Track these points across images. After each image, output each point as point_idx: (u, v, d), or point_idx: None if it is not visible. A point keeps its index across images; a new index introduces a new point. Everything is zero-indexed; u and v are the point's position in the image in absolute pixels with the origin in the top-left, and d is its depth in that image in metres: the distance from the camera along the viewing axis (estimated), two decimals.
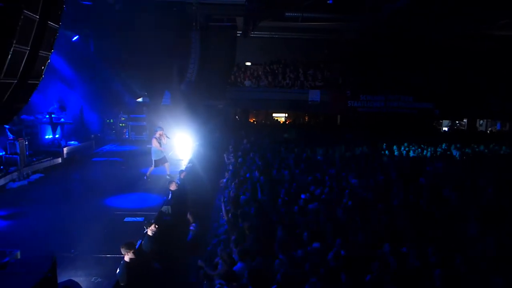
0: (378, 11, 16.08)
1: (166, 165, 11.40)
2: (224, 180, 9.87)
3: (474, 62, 20.24)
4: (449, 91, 20.01)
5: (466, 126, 24.84)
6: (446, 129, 26.01)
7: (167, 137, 11.47)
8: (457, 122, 26.67)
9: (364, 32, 20.00)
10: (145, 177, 11.14)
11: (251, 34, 20.83)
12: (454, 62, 20.40)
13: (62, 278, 5.19)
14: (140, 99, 19.35)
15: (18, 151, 10.59)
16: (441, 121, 26.20)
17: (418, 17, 16.32)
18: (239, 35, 21.66)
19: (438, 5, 14.32)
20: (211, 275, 5.25)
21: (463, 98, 20.09)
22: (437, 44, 20.93)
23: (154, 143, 11.01)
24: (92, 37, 16.24)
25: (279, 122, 26.59)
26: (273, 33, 22.33)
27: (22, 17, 3.68)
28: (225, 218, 6.59)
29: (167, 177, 11.13)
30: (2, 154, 10.59)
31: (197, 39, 17.13)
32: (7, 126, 11.03)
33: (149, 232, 6.09)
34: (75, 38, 15.30)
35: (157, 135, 11.16)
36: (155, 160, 11.08)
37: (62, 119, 13.57)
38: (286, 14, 17.53)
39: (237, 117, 24.82)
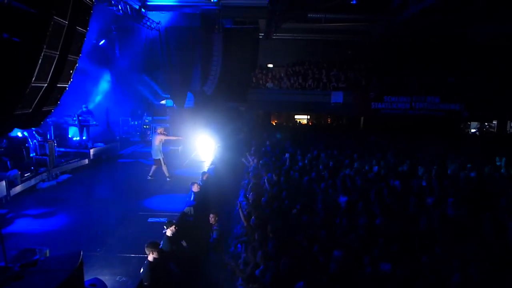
0: (404, 11, 15.76)
1: (164, 167, 11.43)
2: (245, 181, 9.88)
3: (504, 61, 19.47)
4: (478, 92, 19.30)
5: (495, 128, 23.92)
6: (474, 131, 25.15)
7: (164, 133, 11.51)
8: (486, 124, 25.71)
9: (389, 32, 19.63)
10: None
11: (274, 36, 20.81)
12: (483, 61, 19.73)
13: (88, 276, 5.31)
14: (163, 102, 19.67)
15: (48, 152, 10.93)
16: (469, 123, 25.33)
17: (446, 16, 15.89)
18: (261, 37, 21.71)
19: (467, 4, 13.89)
20: (235, 273, 5.25)
21: (493, 99, 19.33)
22: (465, 44, 20.30)
23: (157, 140, 11.15)
24: (117, 41, 16.65)
25: (301, 124, 26.43)
26: (295, 34, 22.28)
27: (52, 23, 3.80)
28: (244, 222, 6.57)
29: (167, 180, 11.31)
30: (33, 155, 10.98)
31: (220, 41, 17.27)
32: (33, 129, 11.42)
33: (168, 233, 6.17)
34: (101, 42, 15.72)
35: (159, 131, 11.34)
36: (155, 159, 11.27)
37: (94, 122, 13.95)
38: (309, 15, 17.44)
39: (259, 119, 24.84)
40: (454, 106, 19.49)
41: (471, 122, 25.32)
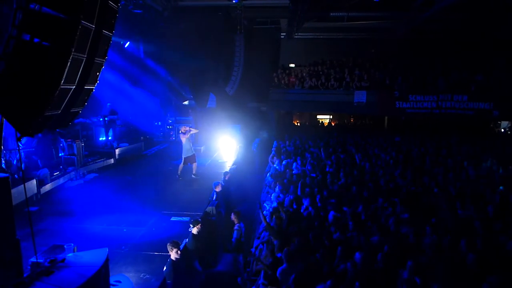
0: (428, 8, 15.35)
1: (194, 165, 11.71)
2: (267, 182, 9.86)
3: None
4: (509, 90, 18.52)
5: None
6: (503, 130, 24.14)
7: (190, 129, 11.69)
8: None
9: (413, 29, 19.15)
10: (177, 176, 11.56)
11: (295, 35, 20.70)
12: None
13: (113, 272, 5.46)
14: (186, 102, 19.90)
15: (76, 152, 11.31)
16: (499, 122, 24.33)
17: (472, 12, 15.37)
18: (283, 37, 21.64)
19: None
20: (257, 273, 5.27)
21: None
22: (493, 40, 19.57)
23: (182, 138, 11.39)
24: (141, 42, 16.96)
25: (324, 124, 26.17)
26: (317, 34, 22.06)
27: (80, 27, 3.93)
28: (264, 222, 6.55)
29: (193, 176, 11.56)
30: (62, 155, 11.37)
31: (241, 42, 17.32)
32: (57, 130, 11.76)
33: (194, 231, 6.25)
34: (126, 44, 16.05)
35: (182, 130, 11.50)
36: (184, 158, 11.47)
37: (119, 122, 14.29)
38: (331, 14, 17.25)
39: (280, 119, 24.75)
40: (483, 105, 18.77)
41: (501, 121, 24.34)
